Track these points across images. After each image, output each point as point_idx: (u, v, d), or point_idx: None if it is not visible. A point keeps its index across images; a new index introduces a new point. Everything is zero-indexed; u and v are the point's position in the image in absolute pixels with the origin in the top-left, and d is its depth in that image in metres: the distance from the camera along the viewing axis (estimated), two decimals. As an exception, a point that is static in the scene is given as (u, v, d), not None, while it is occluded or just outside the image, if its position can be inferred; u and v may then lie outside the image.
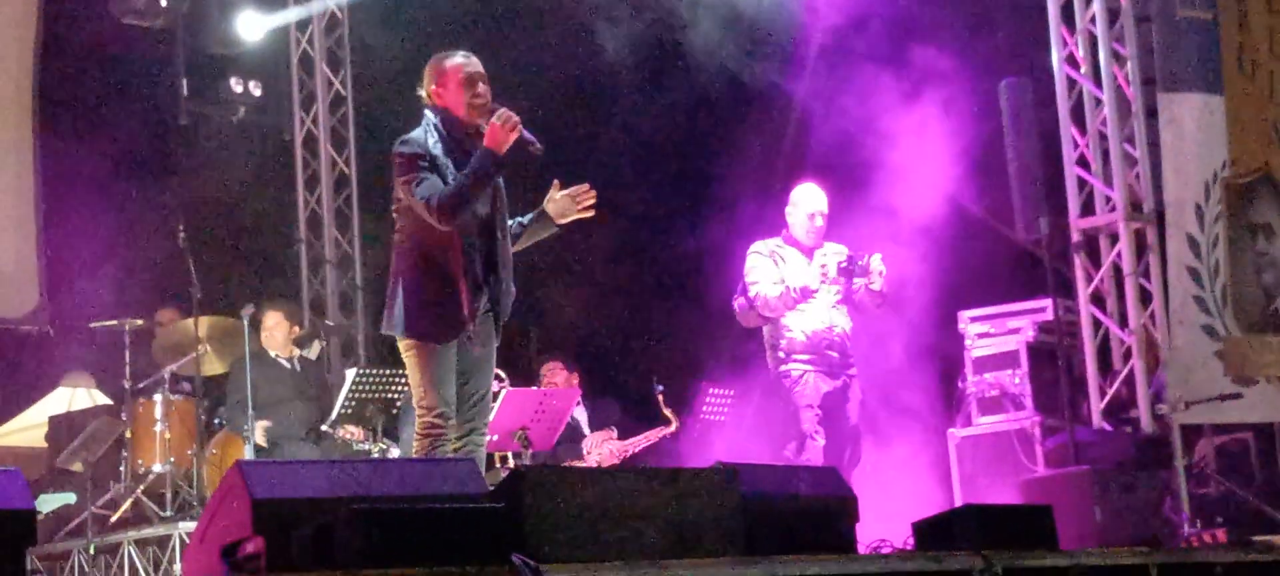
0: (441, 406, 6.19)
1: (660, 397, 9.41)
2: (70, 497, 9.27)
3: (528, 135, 6.22)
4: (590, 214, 6.46)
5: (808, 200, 8.29)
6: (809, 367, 8.18)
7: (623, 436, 9.55)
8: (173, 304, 10.03)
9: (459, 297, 6.19)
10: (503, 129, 6.15)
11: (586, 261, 11.87)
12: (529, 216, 6.51)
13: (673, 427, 9.43)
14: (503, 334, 6.44)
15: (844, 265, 8.18)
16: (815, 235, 8.26)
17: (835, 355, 8.19)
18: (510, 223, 6.46)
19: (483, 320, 6.31)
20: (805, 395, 8.15)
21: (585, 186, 6.43)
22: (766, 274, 8.23)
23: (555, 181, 6.45)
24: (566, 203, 6.42)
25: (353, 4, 12.04)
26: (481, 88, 6.30)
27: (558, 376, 9.83)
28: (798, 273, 8.22)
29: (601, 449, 9.46)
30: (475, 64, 6.35)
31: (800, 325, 8.21)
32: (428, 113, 6.36)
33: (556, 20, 11.57)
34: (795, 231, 8.30)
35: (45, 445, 9.82)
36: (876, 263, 8.19)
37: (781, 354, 8.27)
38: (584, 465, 9.30)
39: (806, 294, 8.18)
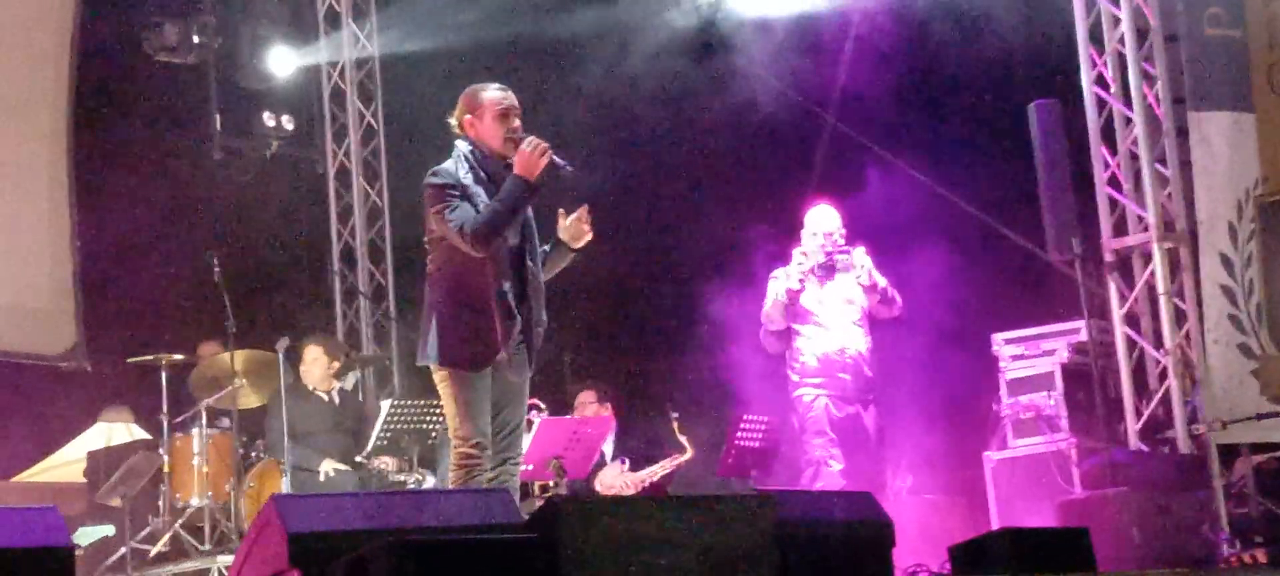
0: (477, 436, 6.23)
1: (675, 425, 9.41)
2: (109, 530, 9.32)
3: (558, 159, 6.27)
4: (590, 236, 6.47)
5: (816, 221, 8.41)
6: (821, 392, 8.22)
7: (634, 467, 9.54)
8: (214, 337, 10.08)
9: (492, 326, 6.23)
10: (533, 155, 6.22)
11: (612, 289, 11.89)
12: (548, 246, 6.55)
13: (688, 455, 9.42)
14: (536, 363, 6.47)
15: (824, 260, 8.25)
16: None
17: (847, 378, 8.23)
18: (540, 247, 6.49)
19: (516, 349, 6.34)
20: (816, 421, 8.19)
21: (585, 208, 6.45)
22: (773, 294, 8.35)
23: (561, 210, 6.48)
24: (576, 226, 6.45)
25: (383, 37, 12.11)
26: (516, 122, 6.37)
27: (590, 406, 9.84)
28: (808, 293, 8.29)
29: (614, 483, 9.42)
30: (511, 98, 6.41)
31: (812, 348, 8.28)
32: (459, 143, 6.41)
33: (586, 53, 11.63)
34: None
35: (84, 480, 9.88)
36: (859, 256, 8.26)
37: (795, 377, 8.34)
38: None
39: (793, 296, 8.24)
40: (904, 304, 8.66)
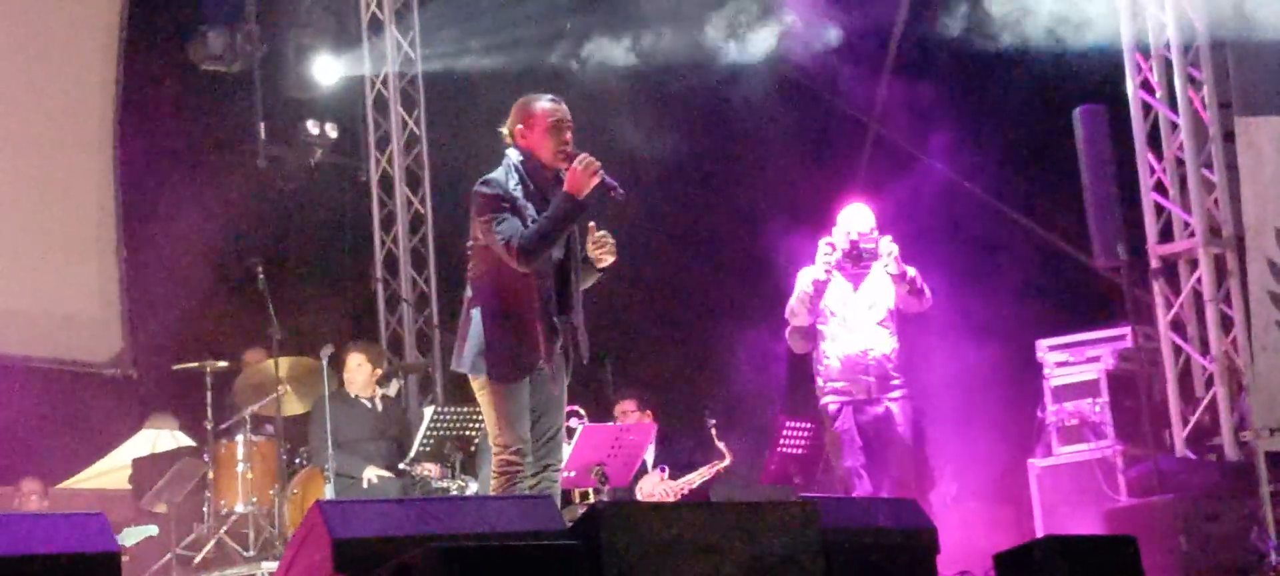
0: (517, 443, 6.22)
1: (713, 431, 9.39)
2: (153, 530, 9.38)
3: (610, 180, 6.24)
4: (612, 258, 6.42)
5: (848, 219, 8.24)
6: (844, 398, 8.08)
7: (674, 475, 9.52)
8: (259, 344, 10.13)
9: (533, 338, 6.22)
10: (584, 173, 6.19)
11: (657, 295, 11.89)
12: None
13: (727, 462, 9.40)
14: (572, 373, 6.48)
15: (850, 250, 8.07)
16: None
17: (871, 380, 8.07)
18: (581, 259, 6.49)
19: (557, 359, 6.33)
20: (841, 437, 8.08)
21: (603, 234, 6.40)
22: (799, 288, 8.23)
23: (590, 224, 6.44)
24: (594, 250, 6.40)
25: (426, 45, 12.15)
26: (568, 135, 6.34)
27: (631, 414, 9.83)
28: (835, 292, 8.15)
29: (654, 492, 9.41)
30: (564, 110, 6.38)
31: (835, 350, 8.13)
32: (509, 153, 6.39)
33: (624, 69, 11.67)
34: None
35: (129, 487, 9.94)
36: (886, 244, 8.08)
37: (820, 382, 8.21)
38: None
39: (819, 286, 8.08)
40: (948, 308, 8.60)
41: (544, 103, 6.37)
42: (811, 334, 8.27)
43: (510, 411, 6.23)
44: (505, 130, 6.43)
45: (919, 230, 9.06)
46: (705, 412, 9.58)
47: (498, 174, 6.33)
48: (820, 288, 8.11)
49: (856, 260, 8.09)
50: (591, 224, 6.48)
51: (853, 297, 8.17)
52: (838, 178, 11.51)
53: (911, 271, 8.13)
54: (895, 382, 8.11)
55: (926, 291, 8.14)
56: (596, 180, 6.20)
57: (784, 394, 10.81)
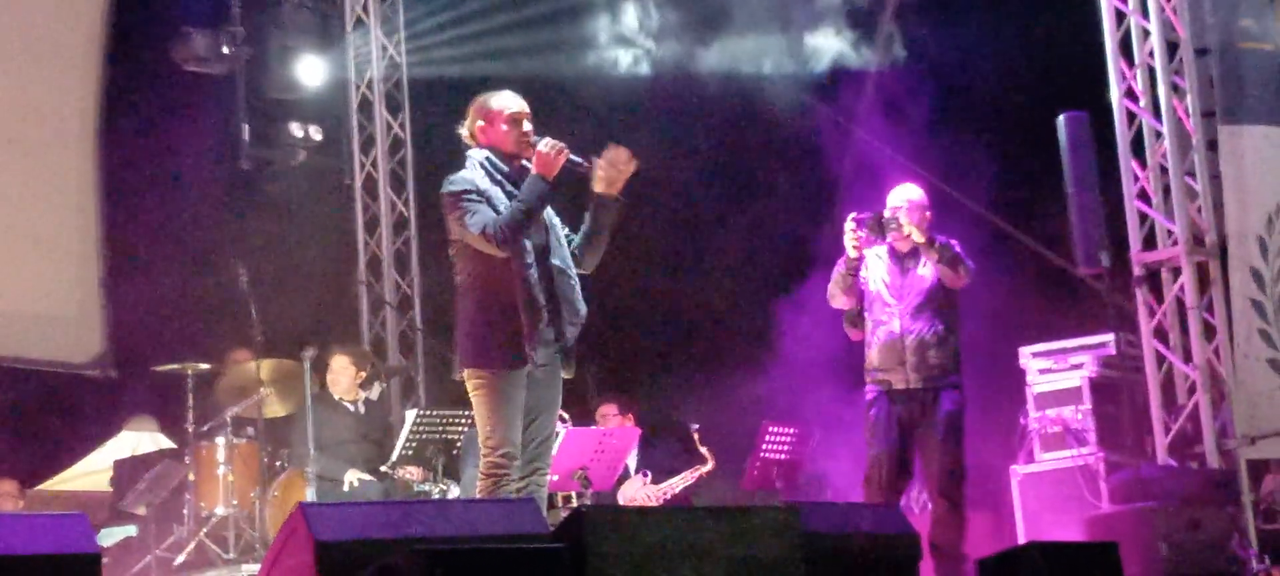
0: (507, 446, 6.23)
1: (696, 436, 9.39)
2: (131, 530, 9.36)
3: (575, 158, 6.35)
4: (633, 166, 6.37)
5: (891, 199, 7.89)
6: (880, 387, 7.78)
7: (656, 480, 9.52)
8: (242, 346, 10.11)
9: (521, 324, 6.24)
10: (550, 155, 6.29)
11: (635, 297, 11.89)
12: (588, 215, 6.50)
13: (709, 466, 9.41)
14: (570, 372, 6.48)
15: (871, 222, 7.73)
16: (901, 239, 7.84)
17: (908, 367, 7.72)
18: (577, 238, 6.49)
19: (550, 359, 6.34)
20: (872, 420, 7.78)
21: (612, 146, 6.39)
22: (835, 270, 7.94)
23: (584, 167, 6.40)
24: (609, 171, 6.38)
25: (411, 48, 12.14)
26: (528, 126, 6.44)
27: (612, 418, 9.83)
28: (875, 274, 7.86)
29: (636, 496, 9.41)
30: (520, 102, 6.48)
31: (877, 335, 7.81)
32: (471, 153, 6.48)
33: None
34: None
35: (109, 489, 9.90)
36: (903, 213, 7.74)
37: (866, 369, 7.89)
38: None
39: (850, 265, 7.76)
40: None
41: (501, 98, 6.48)
42: (859, 319, 7.96)
43: (504, 412, 6.24)
44: (464, 131, 6.51)
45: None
46: (689, 417, 9.59)
47: (463, 172, 6.41)
48: (852, 266, 7.79)
49: (879, 230, 7.76)
50: (594, 160, 6.38)
51: (892, 279, 7.86)
52: (821, 183, 11.54)
53: (921, 238, 7.74)
54: (937, 371, 7.76)
55: (964, 264, 7.76)
56: (563, 159, 6.30)
57: (768, 399, 10.82)
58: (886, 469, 7.75)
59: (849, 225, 7.79)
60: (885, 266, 7.90)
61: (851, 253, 7.78)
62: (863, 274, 7.88)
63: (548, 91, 10.60)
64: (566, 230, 6.52)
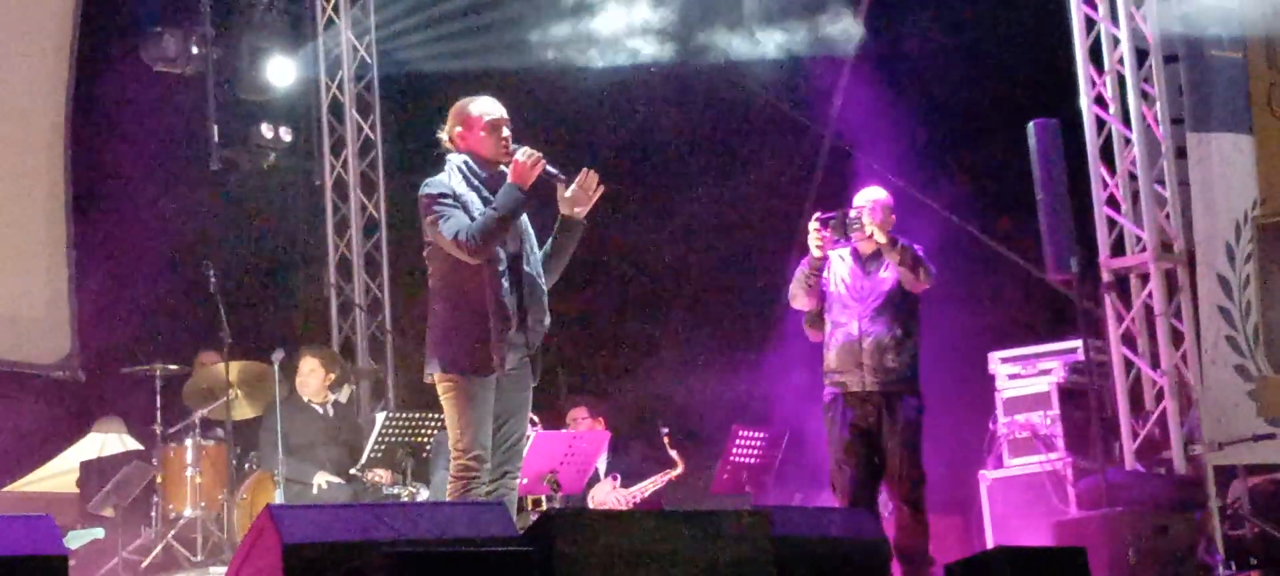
0: (477, 449, 6.25)
1: (666, 439, 9.40)
2: (98, 532, 9.31)
3: (552, 169, 6.38)
4: (600, 192, 6.45)
5: (857, 200, 7.86)
6: (837, 389, 7.75)
7: (625, 484, 9.52)
8: (211, 348, 10.07)
9: (491, 332, 6.25)
10: (527, 165, 6.31)
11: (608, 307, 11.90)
12: (553, 233, 6.56)
13: (678, 470, 9.41)
14: (538, 377, 6.50)
15: (835, 222, 7.68)
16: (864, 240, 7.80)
17: (865, 370, 7.68)
18: (539, 253, 6.50)
19: (519, 364, 6.36)
20: (832, 423, 7.77)
21: (584, 171, 6.45)
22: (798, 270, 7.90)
23: (560, 181, 6.45)
24: (578, 194, 6.45)
25: (382, 50, 12.11)
26: (506, 133, 6.46)
27: (582, 421, 9.83)
28: (838, 275, 7.82)
29: (606, 500, 9.41)
30: (500, 109, 6.51)
31: (836, 337, 7.79)
32: (450, 157, 6.51)
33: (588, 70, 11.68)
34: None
35: (77, 491, 9.86)
36: (867, 215, 7.68)
37: (824, 371, 7.85)
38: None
39: (812, 264, 7.71)
40: None
41: (480, 104, 6.50)
42: (819, 320, 7.92)
43: (472, 415, 6.26)
44: (444, 135, 6.55)
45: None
46: (659, 420, 9.59)
47: (440, 176, 6.44)
48: (816, 266, 7.74)
49: (842, 231, 7.71)
50: (560, 182, 6.43)
51: (853, 281, 7.83)
52: (792, 188, 11.56)
53: (883, 238, 7.70)
54: (894, 374, 7.71)
55: (925, 267, 7.70)
56: (539, 170, 6.33)
57: (740, 403, 10.83)
58: (848, 472, 7.73)
59: (813, 225, 7.76)
60: (847, 268, 7.87)
61: (815, 253, 7.73)
62: (825, 274, 7.85)
63: (521, 87, 10.65)
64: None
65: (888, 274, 7.79)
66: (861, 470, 7.74)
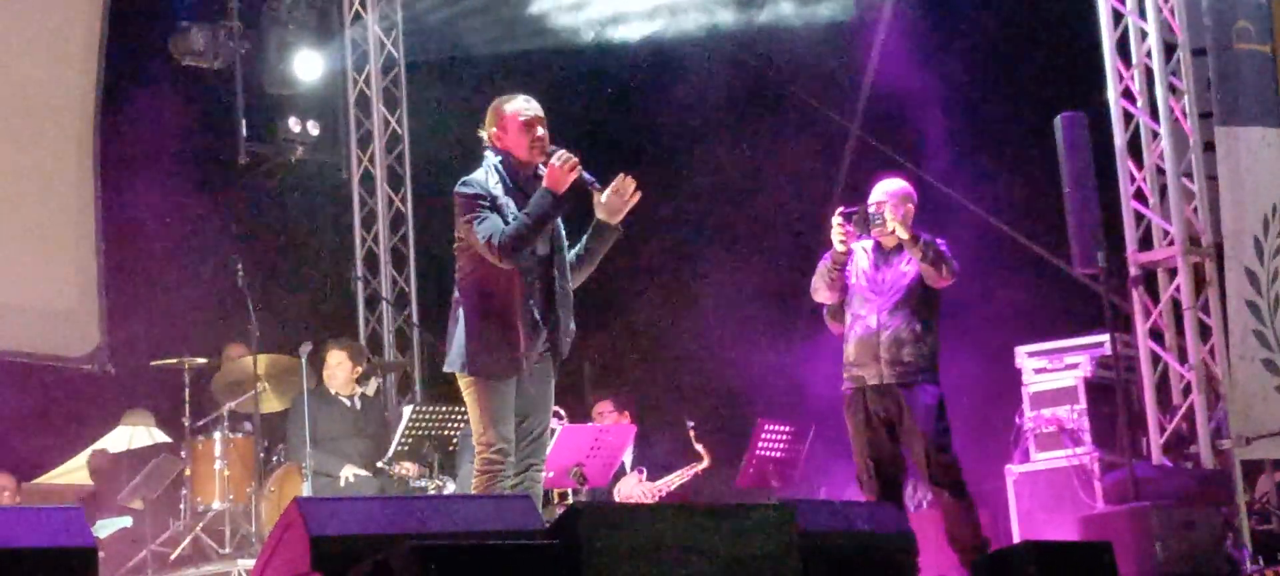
0: (500, 443, 6.26)
1: (692, 433, 9.40)
2: (126, 521, 9.37)
3: (587, 176, 6.36)
4: (637, 198, 6.44)
5: (875, 193, 7.76)
6: (854, 383, 7.68)
7: (651, 477, 9.53)
8: (238, 341, 10.12)
9: (517, 335, 6.27)
10: (562, 170, 6.29)
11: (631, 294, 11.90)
12: (586, 236, 6.56)
13: (705, 464, 9.42)
14: (560, 372, 6.51)
15: (857, 217, 7.58)
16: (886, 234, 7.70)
17: (882, 364, 7.59)
18: (570, 254, 6.51)
19: (541, 359, 6.37)
20: (853, 418, 7.70)
21: (621, 177, 6.45)
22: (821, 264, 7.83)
23: (595, 187, 6.47)
24: (614, 200, 6.44)
25: (409, 44, 12.14)
26: (541, 131, 6.45)
27: (608, 415, 9.84)
28: (859, 268, 7.75)
29: (632, 493, 9.42)
30: (534, 107, 6.49)
31: (854, 330, 7.70)
32: (488, 154, 6.50)
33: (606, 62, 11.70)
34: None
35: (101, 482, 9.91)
36: (888, 210, 7.57)
37: (843, 364, 7.78)
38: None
39: (835, 258, 7.64)
40: None
41: (516, 102, 6.50)
42: (840, 313, 7.84)
43: (495, 409, 6.28)
44: (483, 133, 6.54)
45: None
46: (685, 414, 9.59)
47: (477, 174, 6.43)
48: (839, 261, 7.66)
49: (864, 225, 7.62)
50: (594, 188, 6.44)
51: (873, 274, 7.74)
52: (818, 183, 11.55)
53: (905, 233, 7.60)
54: (911, 367, 7.60)
55: (947, 263, 7.61)
56: (574, 175, 6.31)
57: (764, 397, 10.83)
58: (873, 467, 7.66)
59: (836, 220, 7.68)
60: (868, 260, 7.79)
61: (839, 247, 7.66)
62: (847, 267, 7.78)
63: (548, 69, 10.67)
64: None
65: (908, 267, 7.71)
66: (885, 465, 7.68)
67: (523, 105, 6.48)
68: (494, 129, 6.48)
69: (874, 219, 7.65)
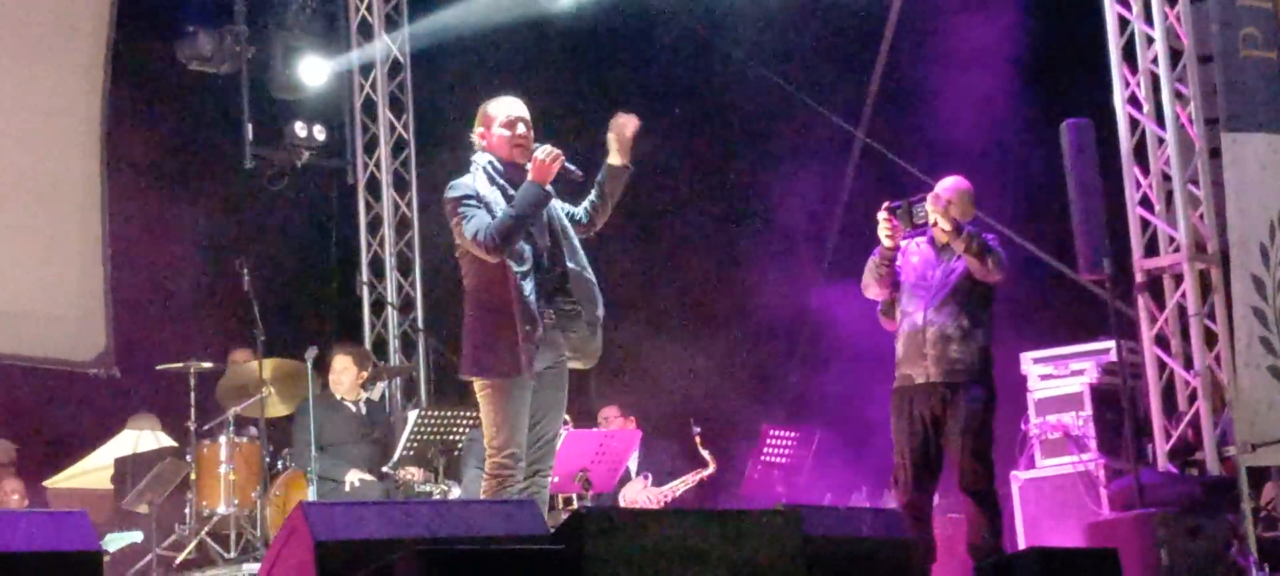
0: (512, 448, 6.30)
1: (697, 439, 9.41)
2: (137, 536, 9.38)
3: (571, 166, 6.47)
4: (636, 124, 6.53)
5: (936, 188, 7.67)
6: (902, 382, 7.60)
7: (657, 483, 9.54)
8: (244, 345, 10.13)
9: (515, 332, 6.28)
10: (546, 162, 6.39)
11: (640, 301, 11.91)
12: (597, 182, 6.62)
13: (710, 469, 9.42)
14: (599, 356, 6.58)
15: (901, 211, 7.48)
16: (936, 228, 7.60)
17: (929, 361, 7.50)
18: (583, 204, 6.60)
19: (554, 363, 6.39)
20: (897, 415, 7.60)
21: (615, 116, 6.55)
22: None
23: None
24: (619, 140, 6.54)
25: (415, 48, 12.15)
26: (522, 129, 6.55)
27: (614, 421, 9.85)
28: (908, 265, 7.66)
29: (637, 498, 9.43)
30: (517, 107, 6.61)
31: (903, 327, 7.63)
32: (476, 156, 6.60)
33: (616, 57, 11.70)
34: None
35: (111, 487, 9.92)
36: (929, 202, 7.49)
37: (896, 363, 7.67)
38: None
39: (883, 254, 7.55)
40: None
41: (498, 102, 6.63)
42: (892, 309, 7.76)
43: (508, 414, 6.31)
44: (474, 136, 6.65)
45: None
46: (691, 420, 9.60)
47: (464, 177, 6.54)
48: (887, 256, 7.56)
49: (908, 220, 7.51)
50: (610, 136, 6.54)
51: (923, 270, 7.66)
52: (820, 185, 11.55)
53: (947, 225, 7.50)
54: (960, 366, 7.51)
55: (993, 254, 7.51)
56: (558, 166, 6.40)
57: (772, 402, 10.83)
58: (910, 468, 7.58)
59: (882, 215, 7.58)
60: (920, 256, 7.70)
61: (886, 242, 7.55)
62: (898, 263, 7.68)
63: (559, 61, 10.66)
64: (568, 208, 6.61)
65: (957, 263, 7.61)
66: (920, 465, 7.58)
67: (506, 104, 6.61)
68: (480, 128, 6.62)
69: (916, 212, 7.56)
